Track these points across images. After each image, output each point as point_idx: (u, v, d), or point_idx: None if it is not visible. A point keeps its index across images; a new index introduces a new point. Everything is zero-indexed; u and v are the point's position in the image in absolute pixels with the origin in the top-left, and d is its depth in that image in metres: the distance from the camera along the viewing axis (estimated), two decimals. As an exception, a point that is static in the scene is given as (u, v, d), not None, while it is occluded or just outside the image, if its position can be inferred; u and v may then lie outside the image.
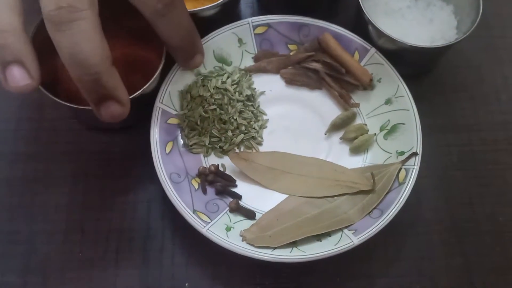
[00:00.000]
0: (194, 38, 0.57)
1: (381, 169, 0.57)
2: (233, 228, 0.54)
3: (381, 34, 0.61)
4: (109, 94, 0.44)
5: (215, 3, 0.60)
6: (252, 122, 0.61)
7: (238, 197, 0.57)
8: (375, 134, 0.60)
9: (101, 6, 0.60)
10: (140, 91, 0.55)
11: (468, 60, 0.70)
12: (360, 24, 0.65)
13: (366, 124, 0.61)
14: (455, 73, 0.69)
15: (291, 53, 0.66)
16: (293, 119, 0.63)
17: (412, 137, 0.58)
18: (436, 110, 0.66)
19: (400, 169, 0.57)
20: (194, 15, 0.60)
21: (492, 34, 0.71)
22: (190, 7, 0.67)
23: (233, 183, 0.58)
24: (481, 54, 0.70)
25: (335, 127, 0.61)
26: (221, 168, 0.59)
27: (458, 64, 0.69)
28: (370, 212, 0.55)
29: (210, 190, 0.57)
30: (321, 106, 0.64)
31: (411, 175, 0.55)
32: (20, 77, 0.39)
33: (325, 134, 0.61)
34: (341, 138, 0.61)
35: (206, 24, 0.63)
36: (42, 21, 0.55)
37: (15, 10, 0.39)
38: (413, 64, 0.65)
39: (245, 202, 0.57)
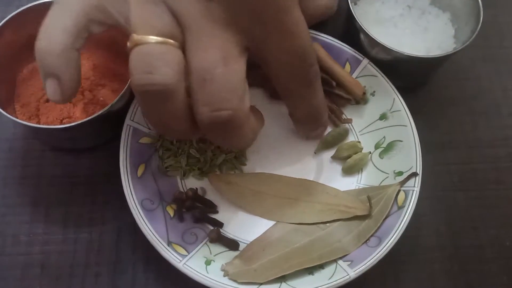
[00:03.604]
0: (322, 114, 0.51)
1: (377, 191, 0.52)
2: (214, 261, 0.48)
3: (374, 43, 0.56)
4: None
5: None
6: (234, 141, 0.55)
7: (219, 225, 0.51)
8: (370, 152, 0.55)
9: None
10: (107, 107, 0.49)
11: (466, 71, 0.65)
12: (350, 33, 0.60)
13: (359, 142, 0.56)
14: (452, 85, 0.64)
15: (276, 65, 0.60)
16: (279, 136, 0.57)
17: (410, 156, 0.53)
18: (434, 125, 0.61)
19: (399, 191, 0.51)
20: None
21: (490, 44, 0.67)
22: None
23: (213, 209, 0.52)
24: (479, 65, 0.66)
25: (325, 145, 0.56)
26: (200, 192, 0.53)
27: (455, 75, 0.65)
28: (367, 240, 0.49)
29: (188, 218, 0.51)
30: (309, 122, 0.58)
31: (411, 198, 0.50)
32: (52, 92, 0.41)
33: (315, 152, 0.56)
34: (332, 157, 0.56)
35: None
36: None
37: (68, 31, 0.41)
38: (409, 75, 0.61)
39: (227, 231, 0.51)
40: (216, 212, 0.52)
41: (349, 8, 0.57)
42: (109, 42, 0.57)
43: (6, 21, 0.52)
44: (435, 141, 0.59)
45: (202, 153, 0.54)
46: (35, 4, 0.53)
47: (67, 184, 0.55)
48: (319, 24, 0.61)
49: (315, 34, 0.59)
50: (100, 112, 0.48)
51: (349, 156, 0.55)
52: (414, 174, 0.52)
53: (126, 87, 0.50)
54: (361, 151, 0.55)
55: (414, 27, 0.61)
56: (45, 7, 0.53)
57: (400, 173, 0.53)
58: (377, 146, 0.56)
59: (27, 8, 0.53)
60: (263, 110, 0.58)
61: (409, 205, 0.50)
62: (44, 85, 0.42)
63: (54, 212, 0.53)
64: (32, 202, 0.53)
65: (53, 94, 0.42)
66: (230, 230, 0.51)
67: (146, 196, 0.50)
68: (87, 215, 0.53)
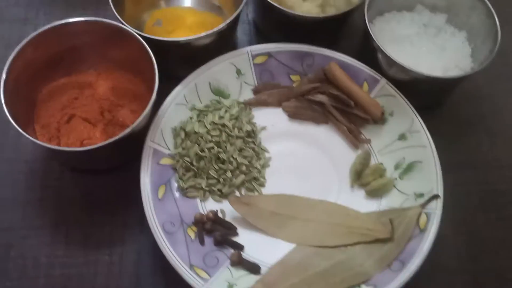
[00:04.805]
0: None
1: (398, 214, 0.52)
2: (236, 285, 0.48)
3: (392, 63, 0.56)
4: None
5: (211, 31, 0.54)
6: (253, 161, 0.55)
7: (240, 248, 0.51)
8: (395, 178, 0.54)
9: (86, 36, 0.55)
10: (129, 129, 0.49)
11: (482, 90, 0.65)
12: (366, 52, 0.60)
13: (382, 164, 0.55)
14: (469, 104, 0.64)
15: (294, 85, 0.60)
16: (298, 156, 0.57)
17: (431, 177, 0.53)
18: (451, 145, 0.60)
19: (420, 213, 0.51)
20: (188, 45, 0.55)
21: (507, 62, 0.66)
22: (183, 35, 0.62)
23: (233, 231, 0.52)
24: (495, 83, 0.65)
25: (357, 174, 0.55)
26: (220, 214, 0.53)
27: (471, 93, 0.64)
28: (389, 264, 0.49)
29: (208, 240, 0.51)
30: (328, 142, 0.58)
31: (433, 221, 0.50)
32: None
33: (352, 186, 0.55)
34: (358, 184, 0.55)
35: (201, 54, 0.58)
36: (19, 52, 0.50)
37: None
38: (426, 95, 0.60)
39: (247, 253, 0.51)
40: (236, 234, 0.52)
41: (367, 27, 0.57)
42: (127, 62, 0.57)
43: (27, 41, 0.52)
44: (453, 161, 0.59)
45: (222, 174, 0.54)
46: (55, 25, 0.53)
47: (87, 205, 0.54)
48: (333, 42, 0.61)
49: (333, 53, 0.59)
50: (122, 135, 0.48)
51: (373, 180, 0.54)
52: (436, 197, 0.51)
53: (147, 109, 0.50)
54: (384, 173, 0.55)
55: (430, 45, 0.61)
56: (64, 28, 0.53)
57: (420, 195, 0.52)
58: (396, 167, 0.55)
59: (47, 28, 0.53)
60: (282, 129, 0.58)
61: (431, 228, 0.50)
62: None
63: (75, 234, 0.53)
64: (52, 223, 0.53)
65: None
66: (251, 253, 0.51)
67: (167, 219, 0.50)
68: (107, 236, 0.53)
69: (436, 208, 0.51)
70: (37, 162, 0.56)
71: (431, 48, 0.61)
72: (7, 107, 0.49)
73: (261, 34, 0.67)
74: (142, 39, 0.53)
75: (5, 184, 0.55)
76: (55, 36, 0.54)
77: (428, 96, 0.61)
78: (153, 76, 0.51)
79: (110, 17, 0.54)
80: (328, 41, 0.62)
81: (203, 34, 0.54)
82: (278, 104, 0.60)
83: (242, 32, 0.66)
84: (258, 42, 0.65)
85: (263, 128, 0.58)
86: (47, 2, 0.68)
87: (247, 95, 0.59)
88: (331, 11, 0.62)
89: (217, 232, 0.51)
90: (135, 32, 0.53)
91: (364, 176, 0.55)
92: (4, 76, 0.50)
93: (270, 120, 0.59)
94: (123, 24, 0.54)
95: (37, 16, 0.67)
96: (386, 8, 0.63)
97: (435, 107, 0.63)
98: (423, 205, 0.51)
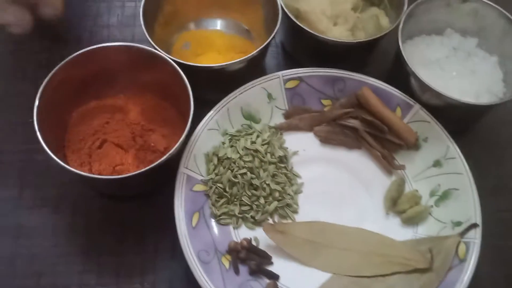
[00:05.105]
0: None
1: (436, 243, 0.51)
2: (273, 317, 0.47)
3: (426, 88, 0.55)
4: None
5: (245, 57, 0.54)
6: (286, 187, 0.55)
7: (275, 277, 0.50)
8: (431, 206, 0.54)
9: (117, 60, 0.55)
10: (165, 156, 0.48)
11: (512, 113, 0.64)
12: (398, 77, 0.60)
13: (417, 190, 0.54)
14: (500, 128, 0.64)
15: (325, 109, 0.60)
16: (330, 182, 0.56)
17: (468, 205, 0.52)
18: (484, 170, 0.59)
19: (459, 242, 0.50)
20: (220, 70, 0.54)
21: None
22: (211, 58, 0.61)
23: (268, 260, 0.51)
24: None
25: (393, 201, 0.55)
26: (254, 242, 0.52)
27: (503, 118, 0.64)
28: (429, 295, 0.48)
29: (243, 269, 0.50)
30: (361, 167, 0.57)
31: (472, 250, 0.49)
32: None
33: (387, 213, 0.54)
34: (393, 212, 0.55)
35: (232, 78, 0.57)
36: (53, 76, 0.50)
37: None
38: (458, 120, 0.60)
39: (283, 283, 0.50)
40: (271, 263, 0.51)
41: (400, 51, 0.57)
42: (156, 86, 0.57)
43: (61, 65, 0.51)
44: (488, 187, 0.58)
45: (255, 200, 0.53)
46: (87, 50, 0.53)
47: (118, 232, 0.54)
48: (362, 66, 0.61)
49: (366, 78, 0.58)
50: (158, 162, 0.47)
51: (409, 207, 0.53)
52: (474, 225, 0.50)
53: (183, 135, 0.49)
54: (420, 200, 0.54)
55: (461, 70, 0.61)
56: (96, 52, 0.53)
57: (458, 223, 0.51)
58: (432, 194, 0.55)
59: (80, 53, 0.52)
60: (313, 154, 0.58)
61: (471, 257, 0.49)
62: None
63: (106, 261, 0.52)
64: (83, 251, 0.52)
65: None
66: (286, 282, 0.50)
67: (202, 247, 0.49)
68: (138, 264, 0.52)
69: (475, 237, 0.50)
70: (66, 187, 0.55)
71: (461, 72, 0.60)
72: (40, 132, 0.48)
73: (289, 57, 0.66)
74: (175, 64, 0.52)
75: (35, 210, 0.54)
76: (87, 60, 0.54)
77: (460, 121, 0.60)
78: (186, 101, 0.51)
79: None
80: (357, 65, 0.62)
81: (237, 60, 0.54)
82: (309, 128, 0.59)
83: (269, 55, 0.66)
84: (286, 65, 0.65)
85: (295, 153, 0.58)
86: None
87: (278, 119, 0.59)
88: (360, 35, 0.62)
89: (252, 261, 0.50)
90: (169, 57, 0.52)
91: (400, 204, 0.54)
92: (37, 102, 0.49)
93: (302, 145, 0.58)
94: (156, 49, 0.53)
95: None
96: (416, 32, 0.63)
97: (466, 132, 0.62)
98: (462, 234, 0.50)
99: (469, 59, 0.62)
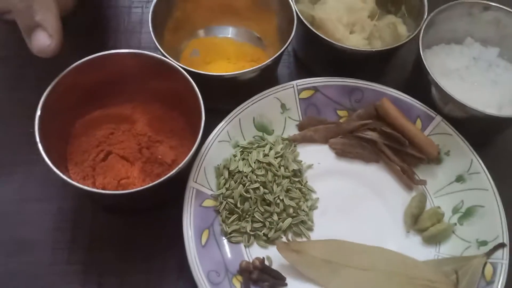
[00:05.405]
0: None
1: (461, 263, 0.48)
2: None
3: (448, 99, 0.53)
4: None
5: (258, 66, 0.51)
6: (300, 203, 0.52)
7: (290, 300, 0.47)
8: (455, 224, 0.51)
9: (124, 68, 0.52)
10: (174, 171, 0.45)
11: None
12: (417, 87, 0.57)
13: (439, 207, 0.52)
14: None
15: (341, 120, 0.57)
16: (347, 197, 0.54)
17: (494, 223, 0.49)
18: (507, 184, 0.56)
19: (486, 263, 0.47)
20: (232, 79, 0.52)
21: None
22: (221, 66, 0.59)
23: (282, 281, 0.48)
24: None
25: (413, 218, 0.52)
26: (266, 262, 0.49)
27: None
28: (456, 320, 0.45)
29: (256, 291, 0.47)
30: (379, 182, 0.55)
31: (500, 272, 0.46)
32: (42, 40, 0.45)
33: (408, 231, 0.52)
34: (414, 229, 0.52)
35: (243, 87, 0.55)
36: (56, 84, 0.47)
37: None
38: (479, 133, 0.57)
39: (298, 306, 0.47)
40: (285, 284, 0.48)
41: (421, 60, 0.54)
42: (163, 95, 0.54)
43: (64, 74, 0.49)
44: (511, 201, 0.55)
45: (268, 217, 0.50)
46: (93, 57, 0.50)
47: (121, 249, 0.51)
48: (379, 76, 0.58)
49: (385, 89, 0.56)
50: (166, 177, 0.45)
51: (431, 225, 0.50)
52: (502, 245, 0.47)
53: (194, 148, 0.46)
54: (442, 218, 0.51)
55: (482, 80, 0.58)
56: (102, 60, 0.50)
57: (484, 243, 0.48)
58: (454, 211, 0.52)
59: (85, 60, 0.50)
60: (329, 168, 0.55)
61: (499, 280, 0.46)
62: (28, 41, 0.45)
63: (108, 281, 0.49)
64: (83, 269, 0.49)
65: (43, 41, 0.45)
66: (301, 305, 0.47)
67: (211, 268, 0.46)
68: (143, 283, 0.49)
69: (503, 258, 0.47)
70: (67, 201, 0.53)
71: (482, 82, 0.58)
72: (41, 144, 0.45)
73: (302, 66, 0.64)
74: (186, 72, 0.50)
75: (33, 224, 0.51)
76: (92, 68, 0.51)
77: (481, 134, 0.58)
78: (196, 112, 0.48)
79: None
80: (374, 75, 0.59)
81: (250, 69, 0.51)
82: (324, 141, 0.56)
83: (281, 63, 0.63)
84: (299, 74, 0.62)
85: (309, 167, 0.55)
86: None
87: (292, 131, 0.56)
88: (377, 44, 0.60)
89: (265, 282, 0.47)
90: (179, 65, 0.50)
91: (421, 221, 0.51)
92: (39, 111, 0.47)
93: (316, 158, 0.55)
94: (165, 56, 0.51)
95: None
96: (435, 41, 0.60)
97: (487, 144, 0.59)
98: (488, 254, 0.47)
99: (490, 69, 0.60)
